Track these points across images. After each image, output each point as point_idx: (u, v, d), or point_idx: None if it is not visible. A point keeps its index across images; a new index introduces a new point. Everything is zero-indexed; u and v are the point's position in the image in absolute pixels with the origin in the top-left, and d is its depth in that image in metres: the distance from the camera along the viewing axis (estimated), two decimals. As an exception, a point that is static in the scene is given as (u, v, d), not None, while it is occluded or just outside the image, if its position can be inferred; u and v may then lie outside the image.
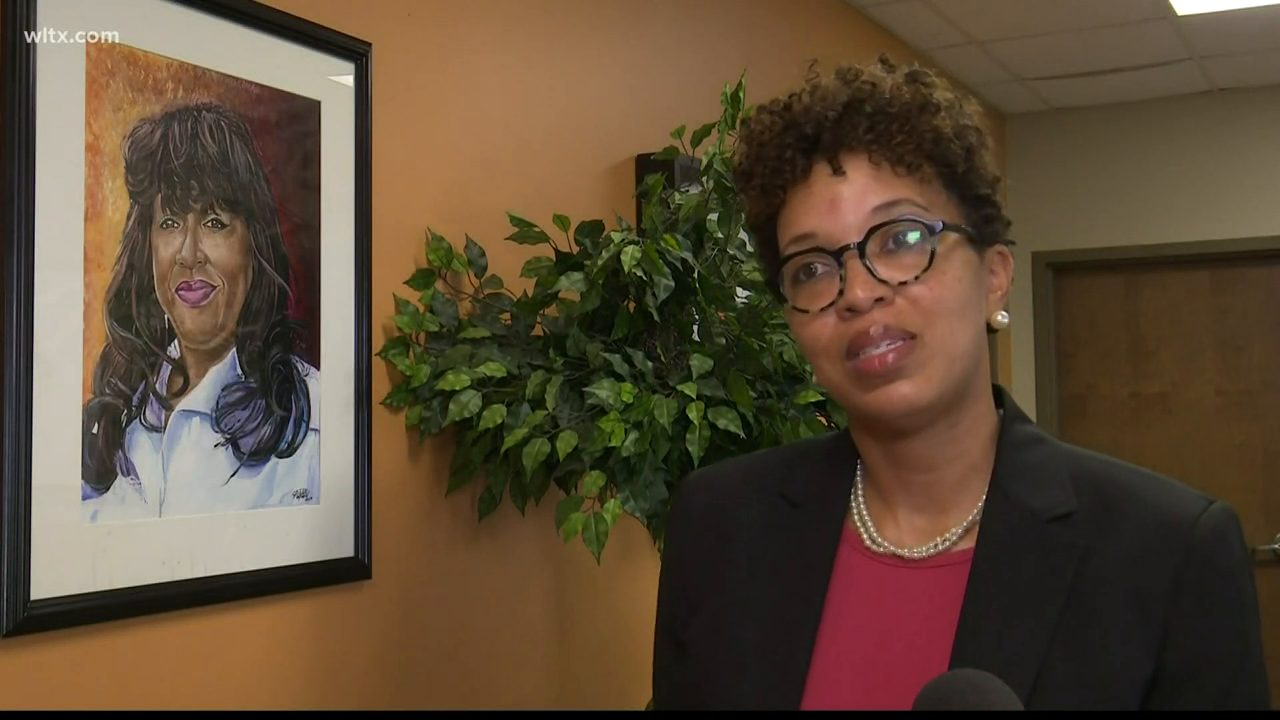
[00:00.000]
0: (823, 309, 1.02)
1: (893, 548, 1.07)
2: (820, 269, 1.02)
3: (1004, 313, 1.08)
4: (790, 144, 1.04)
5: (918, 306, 1.00)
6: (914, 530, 1.07)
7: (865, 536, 1.08)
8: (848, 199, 1.01)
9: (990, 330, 1.09)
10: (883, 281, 0.99)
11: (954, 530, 1.05)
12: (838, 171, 1.02)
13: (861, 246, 1.00)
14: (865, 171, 1.01)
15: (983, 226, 1.06)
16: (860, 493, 1.11)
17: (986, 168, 1.06)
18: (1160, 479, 1.06)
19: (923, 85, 1.05)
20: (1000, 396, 1.11)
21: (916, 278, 1.00)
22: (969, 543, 1.05)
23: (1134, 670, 0.97)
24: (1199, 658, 0.97)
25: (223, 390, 1.81)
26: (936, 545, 1.05)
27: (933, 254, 1.00)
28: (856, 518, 1.10)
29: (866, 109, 1.02)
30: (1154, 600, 0.98)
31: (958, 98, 1.08)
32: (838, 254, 1.01)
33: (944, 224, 1.01)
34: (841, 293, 1.00)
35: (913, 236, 1.00)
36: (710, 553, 1.14)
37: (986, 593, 1.01)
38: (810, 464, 1.15)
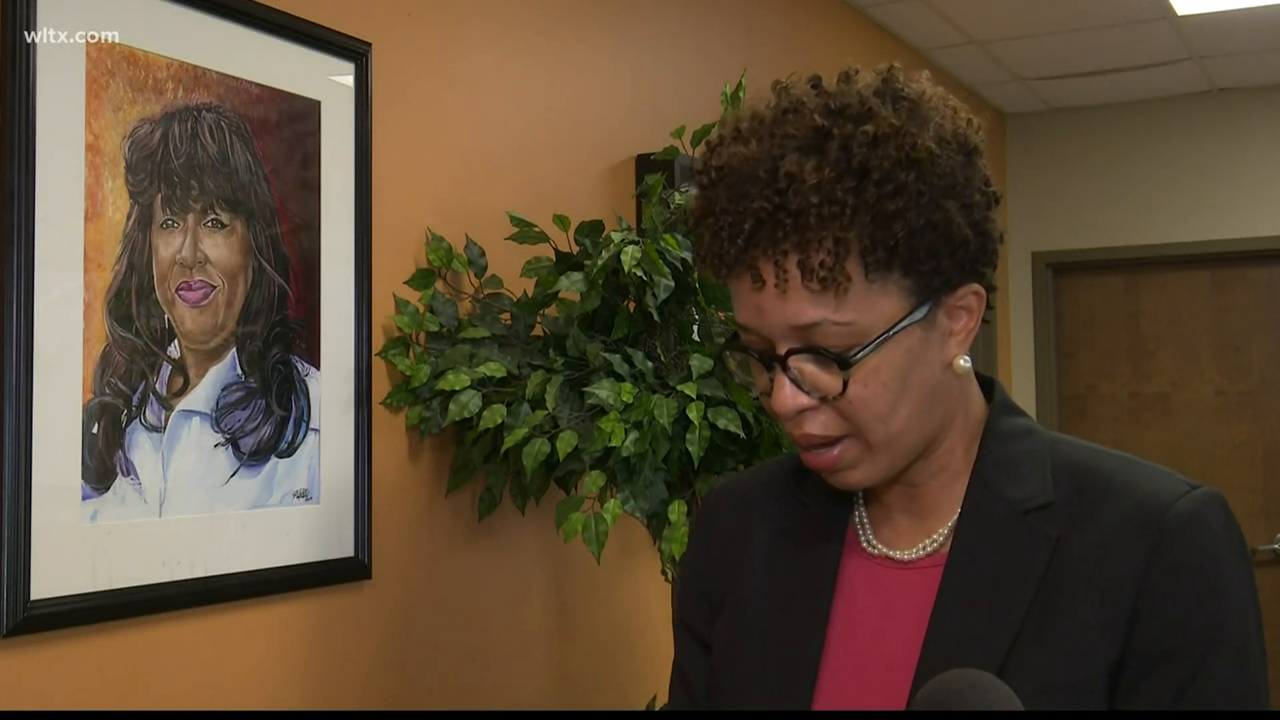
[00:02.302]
0: (763, 393, 1.03)
1: (885, 549, 1.08)
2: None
3: (966, 357, 1.04)
4: (714, 237, 1.00)
5: (846, 414, 1.00)
6: (905, 532, 1.09)
7: (863, 539, 1.10)
8: (768, 311, 0.98)
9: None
10: (808, 392, 0.99)
11: (940, 531, 1.07)
12: (756, 280, 0.98)
13: (784, 360, 0.99)
14: (780, 285, 0.96)
15: (938, 281, 0.99)
16: (860, 496, 1.12)
17: (951, 222, 0.97)
18: (1146, 466, 1.05)
19: (874, 150, 0.95)
20: (991, 389, 1.11)
21: (837, 396, 0.98)
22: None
23: (1098, 654, 0.97)
24: (1167, 640, 0.97)
25: (223, 390, 1.81)
26: (925, 547, 1.07)
27: (845, 383, 0.98)
28: (857, 520, 1.11)
29: (782, 218, 0.95)
30: (1123, 584, 0.98)
31: (936, 142, 0.97)
32: (767, 361, 1.01)
33: (858, 351, 0.97)
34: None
35: (828, 360, 0.98)
36: (732, 557, 1.16)
37: (958, 590, 1.02)
38: None
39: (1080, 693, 0.97)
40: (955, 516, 1.06)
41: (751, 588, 1.13)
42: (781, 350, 0.99)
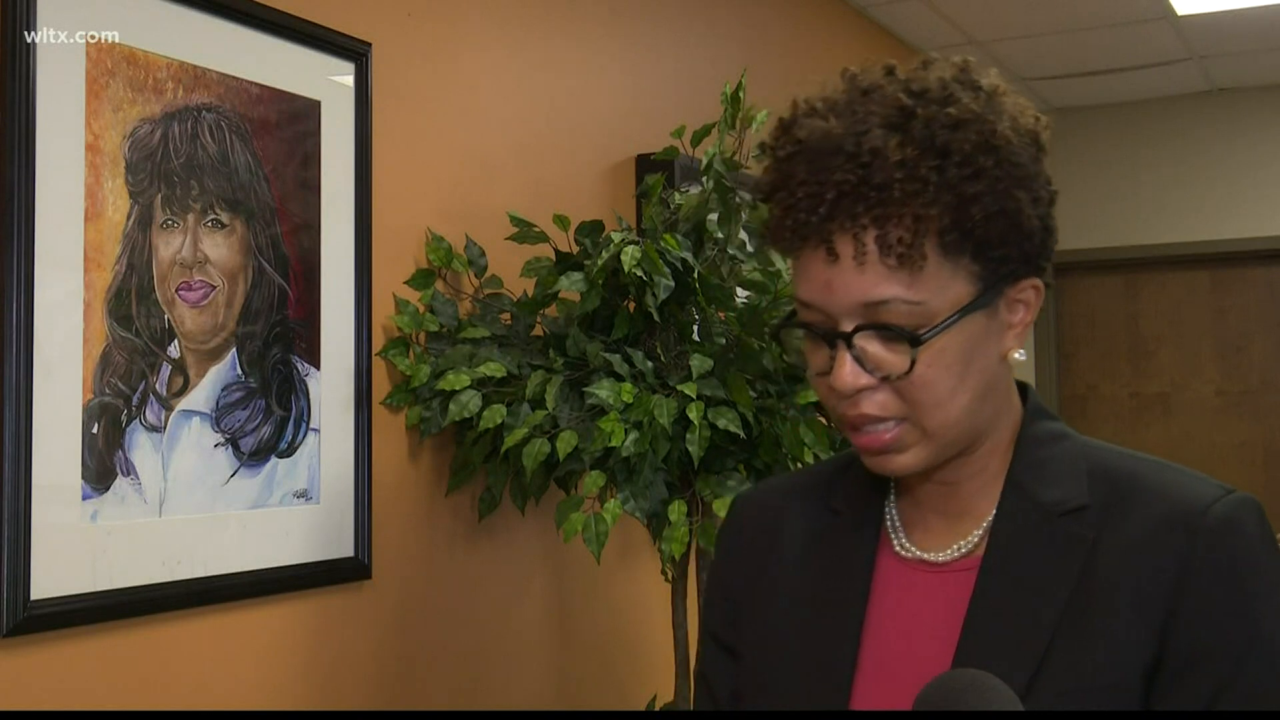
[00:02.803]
0: (819, 373, 1.03)
1: (919, 552, 1.08)
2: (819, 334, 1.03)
3: (1021, 351, 1.05)
4: (789, 210, 1.00)
5: (905, 396, 1.00)
6: (939, 534, 1.09)
7: (896, 542, 1.10)
8: (838, 287, 0.98)
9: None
10: (870, 371, 0.99)
11: (974, 532, 1.07)
12: (830, 254, 0.98)
13: (849, 338, 0.99)
14: (858, 259, 0.97)
15: (1005, 270, 1.01)
16: (893, 499, 1.12)
17: (1021, 212, 0.99)
18: (1183, 471, 1.06)
19: (955, 132, 0.96)
20: (1025, 392, 1.11)
21: (902, 375, 0.98)
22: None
23: (1133, 656, 0.97)
24: (1202, 645, 0.97)
25: (223, 390, 1.81)
26: (959, 548, 1.07)
27: (913, 362, 0.98)
28: (889, 523, 1.12)
29: (865, 191, 0.96)
30: (1158, 587, 0.98)
31: (1013, 131, 0.99)
32: (830, 338, 1.01)
33: (929, 330, 0.98)
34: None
35: (897, 338, 0.98)
36: (758, 565, 1.16)
37: (993, 591, 1.02)
38: (852, 473, 1.16)
39: (1115, 696, 0.97)
40: (989, 518, 1.06)
41: (782, 592, 1.13)
42: (847, 328, 0.99)
